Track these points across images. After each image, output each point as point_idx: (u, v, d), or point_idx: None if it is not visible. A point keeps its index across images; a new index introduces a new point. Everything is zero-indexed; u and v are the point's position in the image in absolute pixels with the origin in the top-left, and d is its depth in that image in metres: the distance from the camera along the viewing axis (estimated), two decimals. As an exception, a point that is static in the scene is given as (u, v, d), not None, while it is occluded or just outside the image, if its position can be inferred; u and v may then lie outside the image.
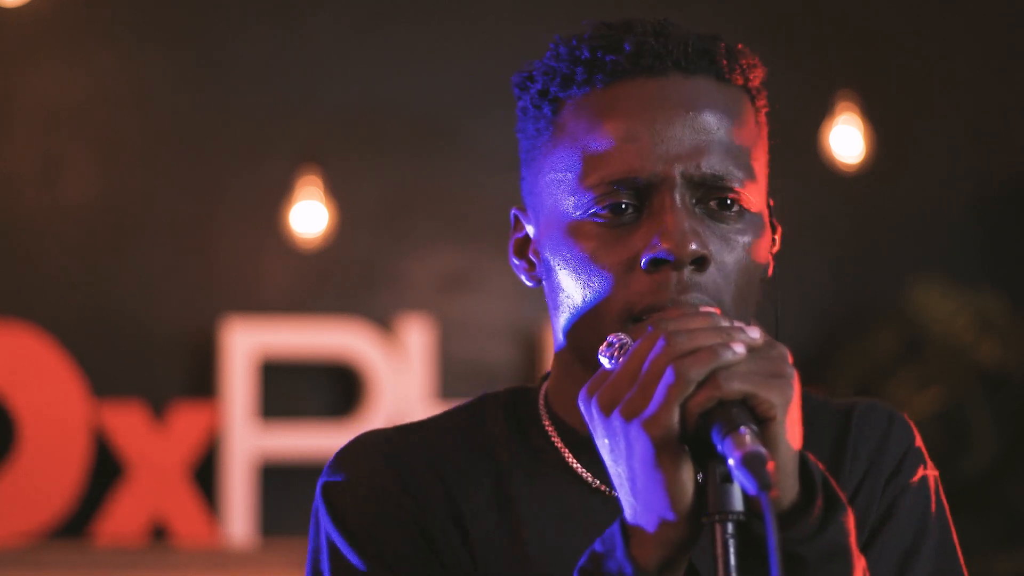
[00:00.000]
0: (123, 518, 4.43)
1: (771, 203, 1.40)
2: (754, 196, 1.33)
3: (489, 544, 1.35)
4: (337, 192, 4.72)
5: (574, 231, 1.32)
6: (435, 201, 4.90)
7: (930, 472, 1.45)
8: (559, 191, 1.34)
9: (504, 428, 1.41)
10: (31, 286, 4.56)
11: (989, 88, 5.35)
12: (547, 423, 1.40)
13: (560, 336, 1.37)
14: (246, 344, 4.56)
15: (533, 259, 1.40)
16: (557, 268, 1.34)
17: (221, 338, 4.57)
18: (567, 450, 1.38)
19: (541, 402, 1.42)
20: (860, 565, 1.22)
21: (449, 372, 4.81)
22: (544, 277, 1.37)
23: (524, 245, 1.41)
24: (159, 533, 4.48)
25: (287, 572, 4.39)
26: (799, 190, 5.09)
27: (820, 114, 4.93)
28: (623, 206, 1.30)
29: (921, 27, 5.32)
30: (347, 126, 4.84)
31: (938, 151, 5.31)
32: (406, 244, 4.85)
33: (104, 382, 4.50)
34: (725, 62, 1.34)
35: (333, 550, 1.35)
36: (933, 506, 1.43)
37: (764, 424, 1.15)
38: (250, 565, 4.45)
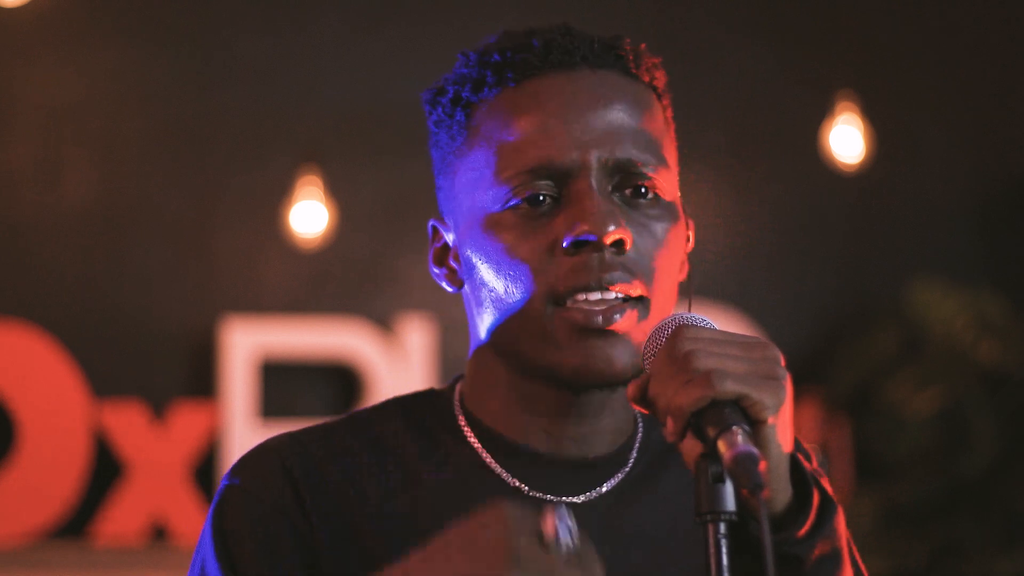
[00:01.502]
0: (123, 518, 4.43)
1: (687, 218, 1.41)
2: (667, 184, 1.35)
3: (400, 551, 1.31)
4: (337, 192, 4.72)
5: (493, 224, 1.34)
6: (435, 201, 4.89)
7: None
8: (476, 189, 1.36)
9: (414, 430, 1.40)
10: (31, 286, 4.57)
11: (989, 88, 5.35)
12: (463, 423, 1.41)
13: (481, 333, 1.40)
14: (246, 344, 4.56)
15: (454, 264, 1.42)
16: (478, 264, 1.36)
17: (221, 338, 4.57)
18: (485, 451, 1.38)
19: (456, 403, 1.43)
20: (849, 565, 1.22)
21: (449, 372, 4.81)
22: (466, 278, 1.40)
23: (443, 253, 1.44)
24: (159, 533, 4.48)
25: (287, 572, 4.39)
26: (799, 190, 5.09)
27: (820, 114, 4.93)
28: (540, 197, 1.32)
29: (921, 27, 5.32)
30: (347, 126, 4.84)
31: (938, 151, 5.31)
32: (406, 244, 4.85)
33: (104, 382, 4.50)
34: (631, 58, 1.37)
35: (204, 548, 1.34)
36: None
37: (756, 425, 1.16)
38: (250, 565, 4.45)
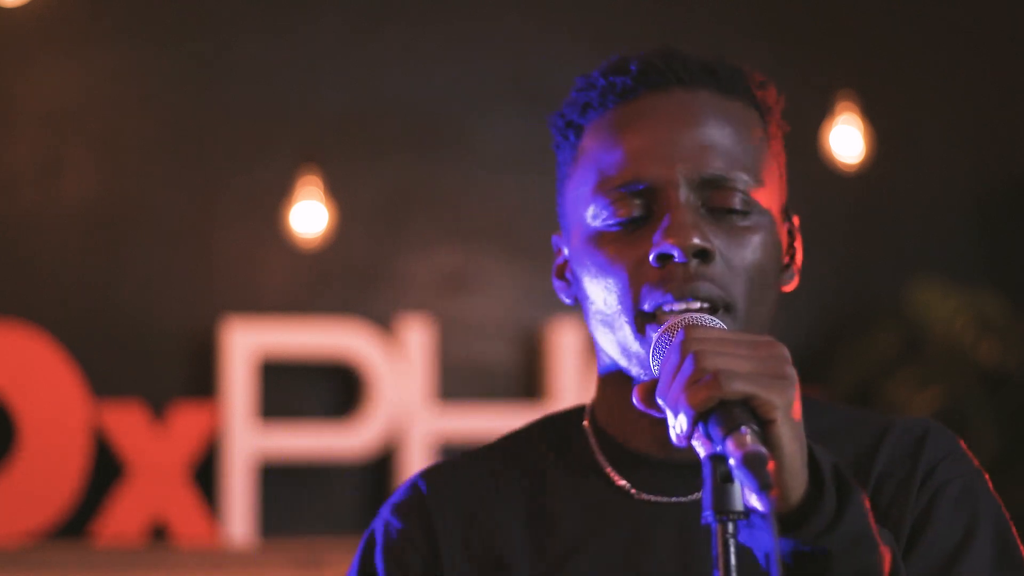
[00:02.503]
0: (123, 518, 4.43)
1: (795, 220, 1.51)
2: (761, 199, 1.39)
3: (527, 562, 1.41)
4: (337, 192, 4.72)
5: (593, 240, 1.39)
6: (435, 201, 4.90)
7: (979, 473, 1.43)
8: (580, 205, 1.41)
9: (549, 446, 1.48)
10: (31, 286, 4.56)
11: (989, 88, 5.35)
12: (590, 434, 1.46)
13: (597, 348, 1.44)
14: (246, 344, 4.56)
15: (569, 278, 1.46)
16: (583, 277, 1.40)
17: (221, 338, 4.57)
18: (607, 463, 1.43)
19: (587, 417, 1.48)
20: (887, 545, 1.22)
21: (449, 372, 4.81)
22: (577, 292, 1.44)
23: (563, 268, 1.48)
24: (159, 533, 4.48)
25: (287, 572, 4.39)
26: (799, 190, 5.08)
27: (820, 114, 4.93)
28: (633, 211, 1.37)
29: (921, 27, 5.33)
30: (347, 126, 4.84)
31: (938, 151, 5.32)
32: (406, 244, 4.85)
33: (104, 382, 4.50)
34: (727, 78, 1.41)
35: None
36: (983, 505, 1.40)
37: (765, 425, 1.17)
38: (250, 565, 4.45)
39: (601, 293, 1.37)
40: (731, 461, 1.12)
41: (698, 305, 1.32)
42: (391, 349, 4.68)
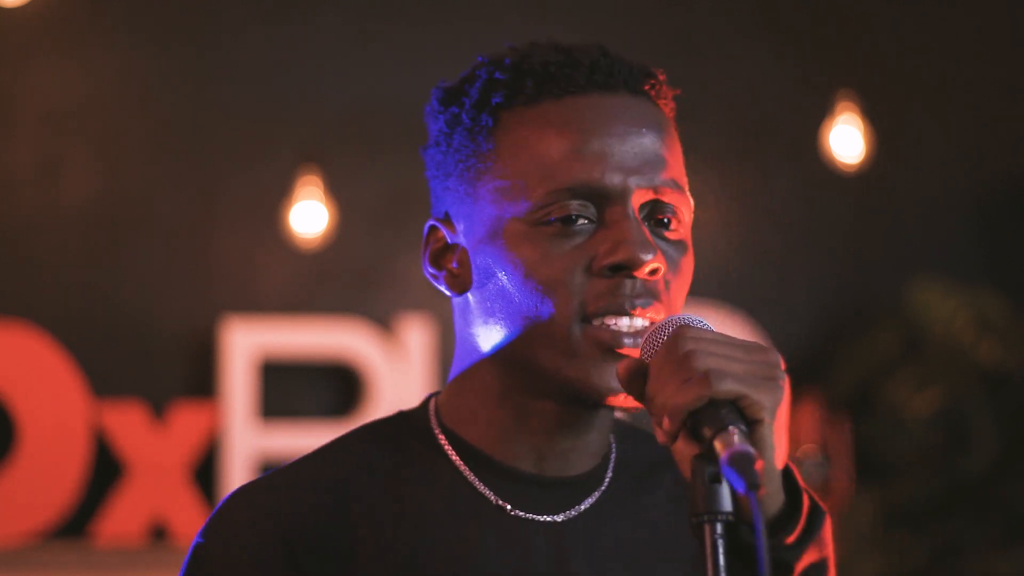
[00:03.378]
0: (123, 518, 4.43)
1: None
2: (687, 217, 1.38)
3: (389, 572, 1.33)
4: (337, 192, 4.72)
5: (522, 237, 1.34)
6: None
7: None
8: (504, 198, 1.35)
9: (393, 454, 1.40)
10: (31, 286, 4.56)
11: (989, 88, 5.35)
12: (443, 441, 1.40)
13: (482, 344, 1.38)
14: (246, 344, 4.56)
15: (456, 268, 1.41)
16: (499, 274, 1.35)
17: (221, 338, 4.57)
18: (468, 469, 1.38)
19: (433, 421, 1.42)
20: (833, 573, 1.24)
21: (449, 372, 4.80)
22: (476, 286, 1.38)
23: (442, 255, 1.42)
24: (159, 533, 4.48)
25: (287, 572, 4.39)
26: (799, 190, 5.09)
27: (820, 114, 4.93)
28: (575, 216, 1.33)
29: (921, 27, 5.32)
30: (347, 126, 4.84)
31: (938, 151, 5.31)
32: (406, 244, 4.85)
33: (104, 382, 4.50)
34: (662, 84, 1.40)
35: None
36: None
37: (752, 426, 1.17)
38: (250, 565, 4.45)
39: (526, 294, 1.33)
40: (719, 460, 1.12)
41: (640, 322, 1.32)
42: (391, 349, 4.69)
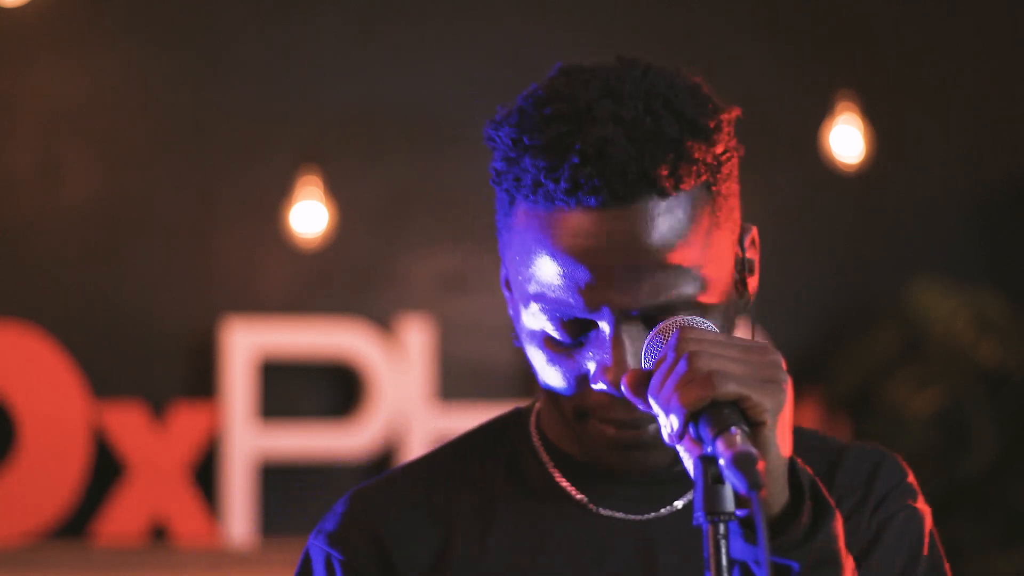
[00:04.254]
0: (123, 518, 4.43)
1: (753, 234, 1.42)
2: (708, 299, 1.32)
3: (481, 572, 1.37)
4: (337, 192, 4.72)
5: (528, 324, 1.35)
6: (435, 201, 4.90)
7: (922, 507, 1.45)
8: (515, 282, 1.35)
9: (497, 455, 1.44)
10: (31, 286, 4.56)
11: (989, 88, 5.35)
12: (537, 442, 1.43)
13: None
14: (246, 344, 4.56)
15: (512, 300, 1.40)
16: (524, 342, 1.37)
17: (221, 338, 4.57)
18: (557, 471, 1.40)
19: (532, 424, 1.45)
20: (849, 567, 1.23)
21: (449, 372, 4.81)
22: (517, 328, 1.39)
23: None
24: (159, 533, 4.48)
25: (287, 572, 4.38)
26: (799, 190, 5.09)
27: (820, 114, 4.93)
28: (559, 338, 1.32)
29: (921, 27, 5.32)
30: (347, 126, 4.84)
31: (938, 151, 5.31)
32: (406, 244, 4.85)
33: (104, 382, 4.50)
34: (669, 179, 1.27)
35: None
36: (926, 539, 1.44)
37: (755, 428, 1.18)
38: (250, 565, 4.45)
39: (542, 370, 1.35)
40: (721, 461, 1.12)
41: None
42: (391, 349, 4.68)
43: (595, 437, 1.34)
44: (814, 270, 5.13)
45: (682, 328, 1.23)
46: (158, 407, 4.52)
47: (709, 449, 1.15)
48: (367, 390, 4.68)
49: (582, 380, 1.33)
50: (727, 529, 1.15)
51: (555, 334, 1.33)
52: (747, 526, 1.18)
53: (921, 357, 4.86)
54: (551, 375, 1.34)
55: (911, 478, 1.47)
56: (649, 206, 1.27)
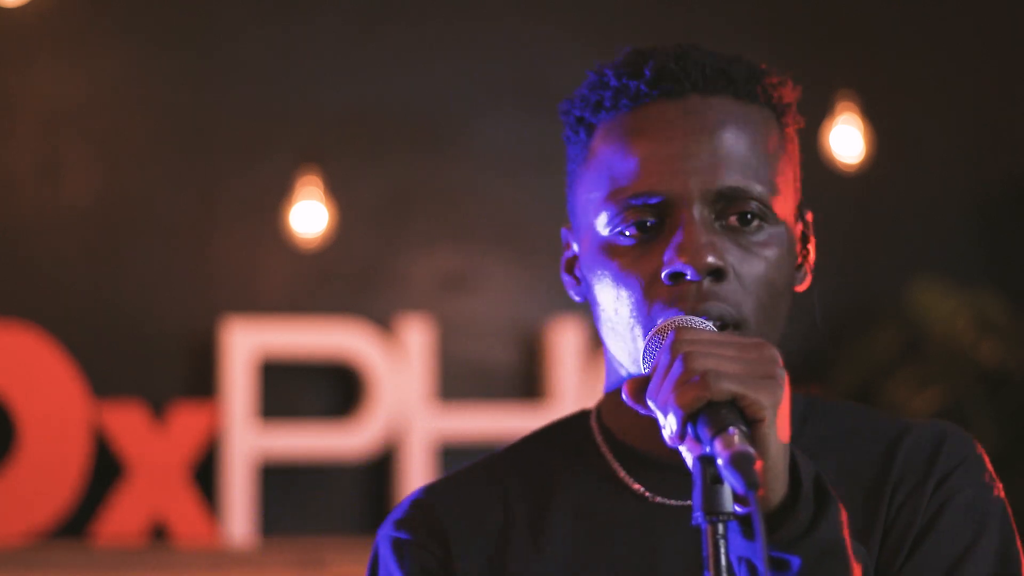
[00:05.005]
0: (123, 518, 4.43)
1: (808, 217, 1.47)
2: (777, 209, 1.38)
3: (542, 570, 1.40)
4: (337, 192, 4.72)
5: (605, 249, 1.37)
6: (435, 201, 4.90)
7: (993, 483, 1.44)
8: (591, 211, 1.39)
9: (557, 452, 1.47)
10: (31, 286, 4.57)
11: (989, 88, 5.35)
12: (599, 438, 1.45)
13: (606, 346, 1.42)
14: (246, 344, 4.56)
15: (579, 276, 1.44)
16: (594, 285, 1.38)
17: (221, 338, 4.57)
18: (617, 464, 1.43)
19: (594, 421, 1.47)
20: (859, 562, 1.23)
21: (449, 372, 4.81)
22: (587, 294, 1.42)
23: (572, 263, 1.46)
24: (159, 533, 4.48)
25: (287, 572, 4.40)
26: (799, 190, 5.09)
27: (820, 114, 4.93)
28: (647, 223, 1.35)
29: (921, 27, 5.32)
30: (347, 126, 4.84)
31: (938, 151, 5.32)
32: (406, 244, 4.85)
33: (104, 382, 4.50)
34: (744, 81, 1.39)
35: None
36: (993, 517, 1.41)
37: (754, 425, 1.18)
38: (250, 565, 4.45)
39: (612, 303, 1.36)
40: (719, 461, 1.13)
41: (709, 324, 1.31)
42: (391, 349, 4.69)
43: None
44: (814, 270, 5.13)
45: (678, 329, 1.24)
46: (158, 407, 4.52)
47: (707, 449, 1.15)
48: (367, 390, 4.68)
49: (655, 277, 1.33)
50: (726, 529, 1.15)
51: (628, 233, 1.34)
52: (748, 523, 1.18)
53: (921, 357, 4.86)
54: (626, 285, 1.34)
55: (980, 450, 1.46)
56: (727, 102, 1.38)
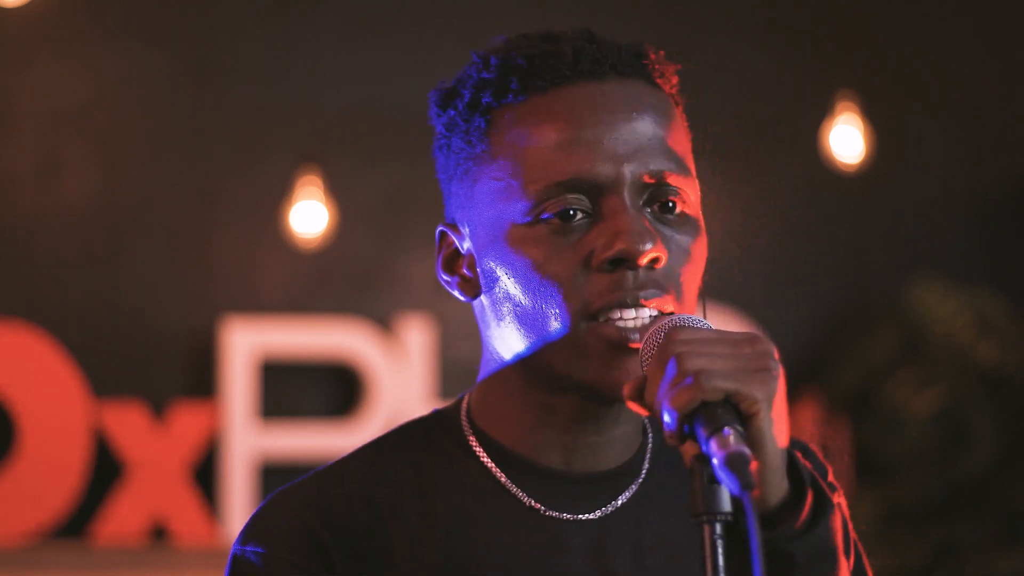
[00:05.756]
0: (123, 518, 4.43)
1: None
2: (693, 197, 1.36)
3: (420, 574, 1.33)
4: (337, 192, 4.72)
5: (521, 238, 1.32)
6: (435, 201, 4.87)
7: (840, 500, 1.43)
8: (500, 199, 1.33)
9: (427, 453, 1.38)
10: (31, 286, 4.57)
11: (989, 88, 5.35)
12: (473, 442, 1.38)
13: (499, 347, 1.36)
14: (246, 344, 4.56)
15: (468, 273, 1.38)
16: (503, 276, 1.33)
17: (221, 338, 4.57)
18: (498, 469, 1.36)
19: (464, 421, 1.40)
20: (849, 565, 1.23)
21: (449, 372, 4.81)
22: (485, 289, 1.36)
23: (454, 260, 1.40)
24: (159, 533, 4.48)
25: (287, 572, 4.39)
26: (799, 190, 5.09)
27: (820, 114, 4.93)
28: (572, 211, 1.31)
29: (921, 27, 5.32)
30: (347, 126, 4.84)
31: (938, 151, 5.31)
32: (406, 244, 4.85)
33: (104, 382, 4.50)
34: (655, 67, 1.36)
35: None
36: (851, 536, 1.42)
37: (749, 420, 1.17)
38: (250, 565, 4.45)
39: (530, 295, 1.31)
40: (714, 461, 1.12)
41: (647, 312, 1.29)
42: (391, 349, 4.69)
43: (598, 344, 1.30)
44: (814, 270, 5.13)
45: (672, 329, 1.23)
46: (158, 407, 4.53)
47: (704, 449, 1.15)
48: (367, 390, 4.68)
49: (587, 265, 1.29)
50: (723, 529, 1.15)
51: (551, 219, 1.30)
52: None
53: (921, 357, 4.86)
54: (552, 275, 1.30)
55: (829, 469, 1.46)
56: (642, 86, 1.35)
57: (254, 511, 1.37)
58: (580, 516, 1.35)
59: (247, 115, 4.76)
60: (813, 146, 4.97)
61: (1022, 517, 4.67)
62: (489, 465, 1.37)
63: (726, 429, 1.14)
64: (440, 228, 1.42)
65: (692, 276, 1.34)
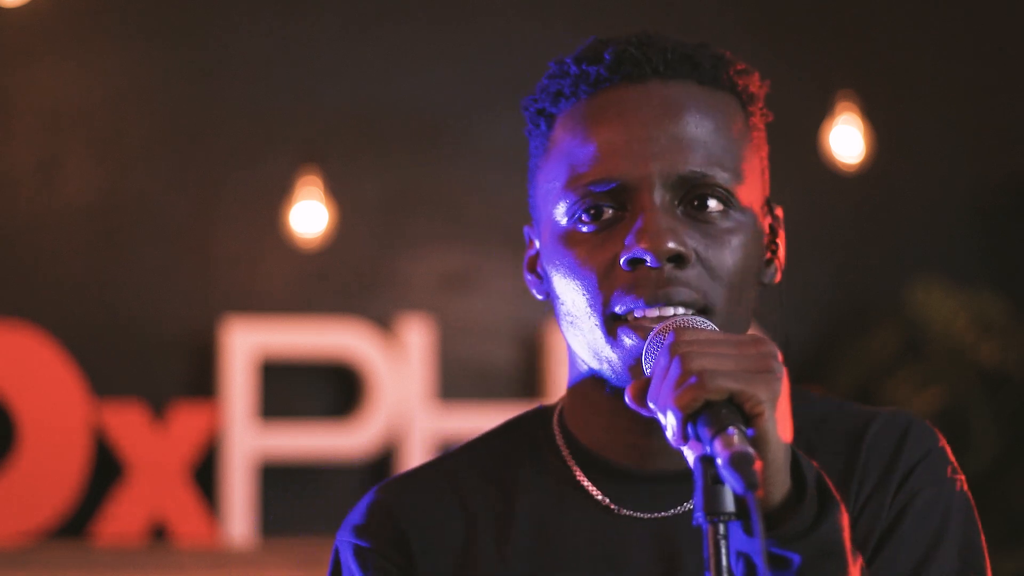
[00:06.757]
0: (123, 518, 4.43)
1: (778, 212, 1.41)
2: (741, 196, 1.34)
3: (502, 571, 1.37)
4: (337, 192, 4.72)
5: (563, 239, 1.34)
6: (435, 201, 4.90)
7: (955, 477, 1.41)
8: (550, 202, 1.36)
9: (518, 455, 1.43)
10: (31, 286, 4.57)
11: (989, 88, 5.35)
12: (560, 441, 1.42)
13: (571, 347, 1.39)
14: (246, 344, 4.56)
15: (540, 273, 1.42)
16: (553, 276, 1.36)
17: (221, 338, 4.57)
18: (578, 469, 1.40)
19: (555, 421, 1.44)
20: (857, 564, 1.22)
21: (449, 372, 4.81)
22: (548, 289, 1.39)
23: (535, 261, 1.43)
24: (159, 533, 4.48)
25: (287, 572, 4.39)
26: (799, 190, 5.09)
27: (820, 114, 4.93)
28: (605, 210, 1.32)
29: (921, 27, 5.32)
30: (347, 126, 4.84)
31: (938, 151, 5.32)
32: (406, 244, 4.85)
33: (104, 382, 4.50)
34: (709, 67, 1.36)
35: None
36: (954, 515, 1.39)
37: (753, 420, 1.17)
38: (250, 565, 4.45)
39: (571, 294, 1.34)
40: (718, 461, 1.12)
41: (671, 311, 1.30)
42: (391, 349, 4.69)
43: (614, 343, 1.32)
44: (814, 270, 5.13)
45: (677, 330, 1.23)
46: (158, 407, 4.53)
47: (707, 449, 1.15)
48: (367, 390, 4.68)
49: (614, 264, 1.31)
50: (727, 529, 1.15)
51: (586, 221, 1.32)
52: (748, 519, 1.17)
53: (921, 357, 4.86)
54: (584, 273, 1.32)
55: (943, 443, 1.44)
56: (690, 87, 1.35)
57: (358, 504, 1.44)
58: (652, 515, 1.37)
59: (247, 115, 4.76)
60: (813, 146, 4.97)
61: (1022, 517, 4.67)
62: (569, 463, 1.40)
63: (730, 429, 1.14)
64: (525, 229, 1.45)
65: (735, 273, 1.33)
